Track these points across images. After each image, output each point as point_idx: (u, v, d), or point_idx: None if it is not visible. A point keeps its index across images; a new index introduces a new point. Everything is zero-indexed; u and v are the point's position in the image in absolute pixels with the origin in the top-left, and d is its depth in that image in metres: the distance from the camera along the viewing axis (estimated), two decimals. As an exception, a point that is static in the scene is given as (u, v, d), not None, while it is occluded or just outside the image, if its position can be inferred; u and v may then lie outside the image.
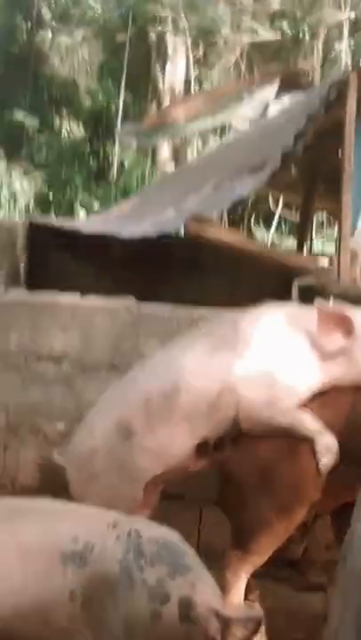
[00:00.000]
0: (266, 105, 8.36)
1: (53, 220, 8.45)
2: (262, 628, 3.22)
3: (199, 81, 15.59)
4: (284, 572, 4.07)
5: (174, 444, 3.43)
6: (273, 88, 8.40)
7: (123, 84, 14.78)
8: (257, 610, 2.60)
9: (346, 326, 3.43)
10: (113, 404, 3.56)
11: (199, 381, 3.40)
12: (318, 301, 3.60)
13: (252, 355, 3.43)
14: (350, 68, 5.76)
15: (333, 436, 3.35)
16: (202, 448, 3.48)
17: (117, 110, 14.74)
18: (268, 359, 3.43)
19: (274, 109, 8.02)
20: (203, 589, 2.47)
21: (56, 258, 7.17)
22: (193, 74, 15.31)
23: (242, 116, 8.67)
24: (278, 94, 8.30)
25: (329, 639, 2.88)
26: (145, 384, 3.50)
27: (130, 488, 3.48)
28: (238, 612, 2.60)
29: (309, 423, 3.39)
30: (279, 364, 3.42)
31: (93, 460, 3.50)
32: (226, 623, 2.42)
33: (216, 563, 3.95)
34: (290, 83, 8.40)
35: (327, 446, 3.34)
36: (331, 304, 3.83)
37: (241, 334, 3.48)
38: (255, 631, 2.67)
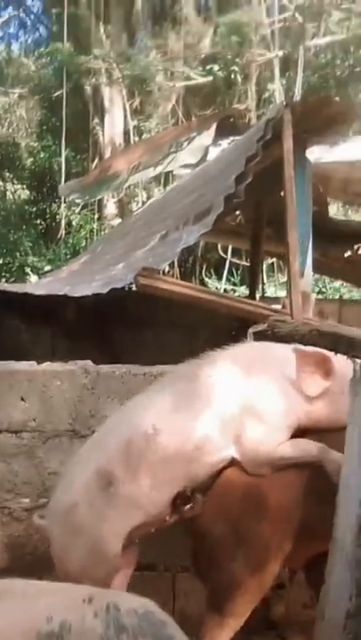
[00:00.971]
0: (205, 150, 8.45)
1: (4, 285, 8.37)
2: None
3: (138, 131, 15.71)
4: (264, 636, 4.00)
5: (156, 490, 3.37)
6: (210, 133, 8.51)
7: (63, 140, 14.82)
8: None
9: (325, 366, 3.45)
10: (91, 456, 3.49)
11: (182, 423, 3.37)
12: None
13: (236, 392, 3.42)
14: (284, 105, 5.69)
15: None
16: (179, 499, 3.42)
17: (60, 168, 14.74)
18: (251, 396, 3.42)
19: (213, 154, 8.10)
20: None
21: (8, 324, 7.10)
22: (131, 124, 15.43)
23: (182, 163, 8.73)
24: (216, 139, 8.41)
25: None
26: (123, 429, 3.45)
27: (111, 543, 3.40)
28: None
29: (310, 446, 3.39)
30: (263, 400, 3.42)
31: (74, 515, 3.42)
32: None
33: (192, 630, 3.89)
34: (226, 126, 8.52)
35: (338, 463, 3.27)
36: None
37: (221, 372, 3.48)
38: None
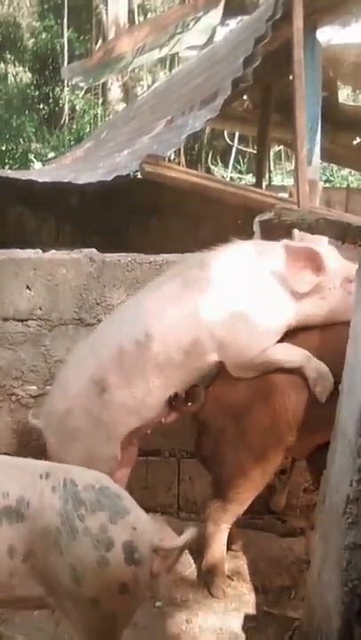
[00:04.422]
0: (212, 31, 8.19)
1: (7, 172, 8.24)
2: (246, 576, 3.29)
3: (143, 10, 15.17)
4: (266, 519, 4.13)
5: (150, 395, 3.41)
6: (218, 12, 8.23)
7: (65, 20, 14.32)
8: (190, 531, 2.65)
9: (316, 261, 3.36)
10: (85, 361, 3.51)
11: (172, 328, 3.36)
12: (285, 240, 3.51)
13: (224, 295, 3.37)
14: (295, -18, 5.43)
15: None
16: (173, 400, 3.47)
17: (63, 50, 14.31)
18: (239, 298, 3.37)
19: (220, 35, 7.85)
20: (142, 529, 2.53)
21: (13, 210, 7.05)
22: (135, 2, 14.88)
23: (188, 44, 8.48)
24: (224, 18, 8.13)
25: (312, 581, 2.93)
26: (116, 336, 3.45)
27: (108, 446, 3.48)
28: (175, 541, 2.64)
29: (294, 353, 3.36)
30: (251, 303, 3.36)
31: (69, 420, 3.48)
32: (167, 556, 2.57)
33: (195, 514, 4.01)
34: (234, 5, 8.22)
35: (319, 372, 3.29)
36: (296, 234, 3.74)
37: (210, 274, 3.42)
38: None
